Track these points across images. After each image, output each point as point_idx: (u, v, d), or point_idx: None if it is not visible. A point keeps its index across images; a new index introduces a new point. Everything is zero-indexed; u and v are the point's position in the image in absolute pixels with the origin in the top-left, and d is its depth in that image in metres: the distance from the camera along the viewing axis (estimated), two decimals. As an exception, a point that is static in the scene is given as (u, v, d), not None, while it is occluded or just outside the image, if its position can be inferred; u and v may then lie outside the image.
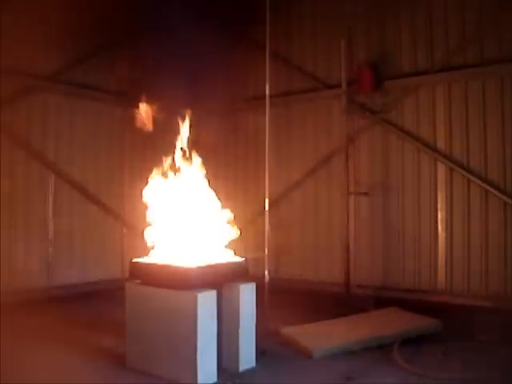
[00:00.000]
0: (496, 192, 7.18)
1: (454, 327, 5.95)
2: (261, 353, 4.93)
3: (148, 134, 5.53)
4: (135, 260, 4.94)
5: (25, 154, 7.88)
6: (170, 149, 5.34)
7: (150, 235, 5.04)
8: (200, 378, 4.27)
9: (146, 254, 5.01)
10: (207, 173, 5.29)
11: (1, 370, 4.39)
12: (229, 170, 9.84)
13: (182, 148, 5.26)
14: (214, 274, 4.68)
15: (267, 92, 6.51)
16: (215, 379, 4.39)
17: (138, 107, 5.46)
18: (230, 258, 5.00)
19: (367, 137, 8.41)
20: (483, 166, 7.35)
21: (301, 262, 8.93)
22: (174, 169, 5.18)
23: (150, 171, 5.28)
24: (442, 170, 7.69)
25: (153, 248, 5.03)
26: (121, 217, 9.11)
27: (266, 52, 6.57)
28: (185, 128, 5.31)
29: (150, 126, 5.35)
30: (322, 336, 5.52)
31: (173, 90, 8.61)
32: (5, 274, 7.32)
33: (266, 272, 6.22)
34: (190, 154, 5.23)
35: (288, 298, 7.66)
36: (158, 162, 5.38)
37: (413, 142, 7.92)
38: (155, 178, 5.18)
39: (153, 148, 8.72)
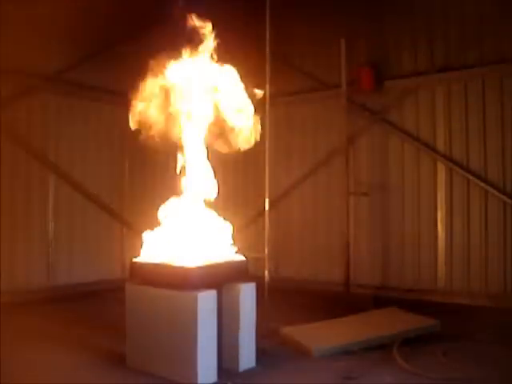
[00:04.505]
0: (496, 192, 7.19)
1: (453, 327, 5.95)
2: (261, 352, 4.93)
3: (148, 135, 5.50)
4: (135, 260, 4.94)
5: (25, 154, 7.88)
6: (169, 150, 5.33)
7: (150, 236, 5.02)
8: (200, 377, 4.27)
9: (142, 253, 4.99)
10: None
11: (1, 370, 4.39)
12: (229, 169, 9.83)
13: None
14: (214, 274, 4.68)
15: (267, 92, 6.51)
16: (215, 379, 4.39)
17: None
18: (230, 257, 5.00)
19: (367, 137, 8.42)
20: (483, 166, 7.36)
21: (301, 262, 8.94)
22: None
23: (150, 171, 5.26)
24: (441, 170, 7.70)
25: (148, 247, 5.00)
26: (121, 217, 9.12)
27: (265, 52, 6.57)
28: None
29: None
30: (322, 336, 5.52)
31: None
32: (5, 273, 7.32)
33: (266, 272, 6.23)
34: None
35: (288, 298, 7.67)
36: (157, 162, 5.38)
37: (413, 142, 7.93)
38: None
39: (153, 148, 8.75)
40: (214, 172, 5.16)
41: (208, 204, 5.15)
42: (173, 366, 4.41)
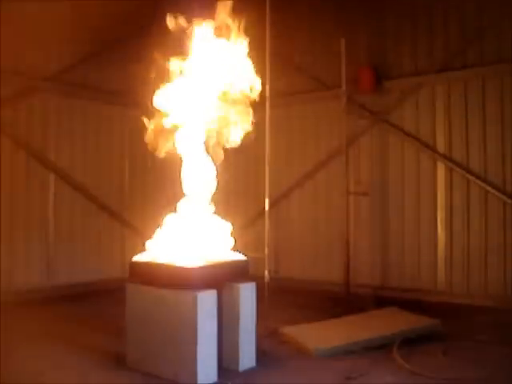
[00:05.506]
0: (496, 192, 7.19)
1: (453, 327, 5.95)
2: (261, 352, 4.93)
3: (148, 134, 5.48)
4: (135, 260, 4.93)
5: (25, 154, 7.89)
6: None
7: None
8: (200, 377, 4.27)
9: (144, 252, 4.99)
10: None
11: (1, 370, 4.39)
12: (229, 169, 9.82)
13: None
14: (214, 273, 4.68)
15: (267, 92, 6.51)
16: (215, 379, 4.39)
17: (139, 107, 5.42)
18: (230, 257, 5.00)
19: (367, 137, 8.42)
20: (483, 166, 7.36)
21: (301, 262, 8.93)
22: None
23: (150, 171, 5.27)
24: (441, 169, 7.70)
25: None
26: (121, 217, 9.11)
27: (265, 52, 6.57)
28: None
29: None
30: (322, 336, 5.52)
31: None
32: (5, 273, 7.33)
33: (266, 272, 6.23)
34: None
35: (288, 298, 7.67)
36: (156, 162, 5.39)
37: (413, 142, 7.93)
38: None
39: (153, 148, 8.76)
40: (215, 172, 5.16)
41: (208, 204, 5.15)
42: (173, 365, 4.41)
